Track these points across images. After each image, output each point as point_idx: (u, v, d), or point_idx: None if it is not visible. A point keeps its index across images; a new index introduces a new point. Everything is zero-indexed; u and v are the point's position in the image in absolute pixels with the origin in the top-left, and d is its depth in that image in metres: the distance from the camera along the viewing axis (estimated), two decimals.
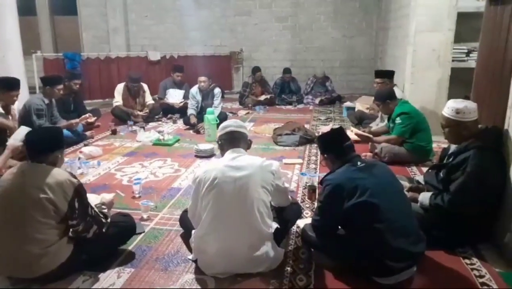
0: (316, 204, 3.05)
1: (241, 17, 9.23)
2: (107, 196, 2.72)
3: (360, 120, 5.80)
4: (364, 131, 4.61)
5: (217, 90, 6.04)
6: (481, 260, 2.38)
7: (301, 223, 2.70)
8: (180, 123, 6.22)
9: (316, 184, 3.39)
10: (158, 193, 3.44)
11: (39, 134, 2.33)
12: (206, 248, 2.22)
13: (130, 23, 9.59)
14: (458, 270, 2.29)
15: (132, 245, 2.57)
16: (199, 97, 5.99)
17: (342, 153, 2.33)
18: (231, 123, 2.47)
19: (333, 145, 2.38)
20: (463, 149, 2.45)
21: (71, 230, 2.16)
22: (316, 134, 5.01)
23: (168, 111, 6.58)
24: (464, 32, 4.94)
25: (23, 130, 3.78)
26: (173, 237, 2.70)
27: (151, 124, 6.13)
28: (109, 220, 2.36)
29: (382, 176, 2.24)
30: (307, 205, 3.19)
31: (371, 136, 4.39)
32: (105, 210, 2.55)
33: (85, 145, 4.92)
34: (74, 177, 2.20)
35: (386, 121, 4.77)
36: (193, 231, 2.35)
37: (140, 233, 2.71)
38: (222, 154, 2.41)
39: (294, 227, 2.73)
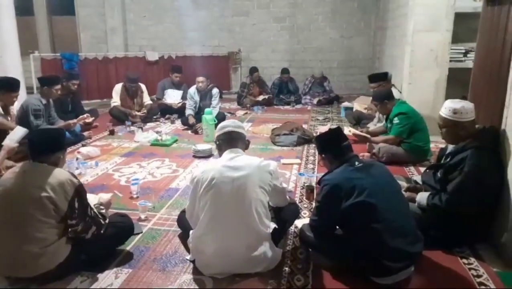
0: (314, 204, 3.05)
1: (239, 17, 9.23)
2: (104, 196, 2.72)
3: (358, 120, 5.82)
4: (362, 131, 4.61)
5: (215, 91, 6.04)
6: (479, 260, 2.38)
7: (299, 223, 2.71)
8: (178, 123, 6.21)
9: (314, 184, 3.38)
10: (156, 193, 3.43)
11: (42, 135, 2.36)
12: (204, 248, 2.22)
13: (128, 23, 9.57)
14: (455, 270, 2.29)
15: (130, 245, 2.57)
16: (197, 98, 5.99)
17: (340, 153, 2.33)
18: (229, 124, 2.47)
19: (331, 145, 2.38)
20: (461, 149, 2.46)
21: (70, 230, 2.16)
22: (314, 134, 5.01)
23: (166, 111, 6.57)
24: (462, 32, 4.96)
25: (19, 131, 3.78)
26: (171, 238, 2.70)
27: (149, 125, 6.12)
28: (107, 220, 2.37)
29: (380, 176, 2.24)
30: (305, 205, 3.19)
31: (369, 136, 4.40)
32: (103, 211, 2.55)
33: (83, 145, 4.92)
34: (75, 177, 2.21)
35: (383, 121, 4.78)
36: (191, 232, 2.35)
37: (138, 234, 2.70)
38: (220, 154, 2.41)
39: (292, 227, 2.73)
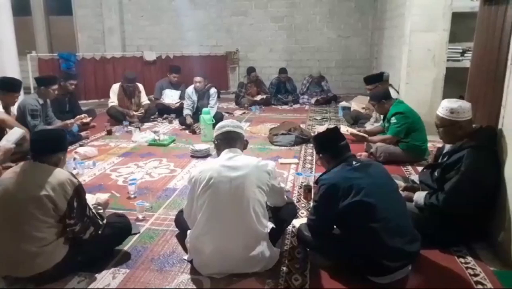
0: (311, 204, 3.05)
1: (237, 17, 9.23)
2: (102, 196, 2.72)
3: (356, 120, 5.83)
4: (359, 131, 4.62)
5: (213, 90, 6.04)
6: (476, 259, 2.39)
7: (296, 222, 2.71)
8: (176, 123, 6.21)
9: (311, 183, 3.39)
10: (154, 193, 3.43)
11: (44, 135, 2.38)
12: (201, 248, 2.22)
13: (126, 23, 9.56)
14: (452, 269, 2.30)
15: (127, 245, 2.57)
16: (195, 97, 5.99)
17: (338, 152, 2.33)
18: (227, 123, 2.47)
19: (329, 145, 2.38)
20: (458, 149, 2.47)
21: (68, 230, 2.16)
22: (312, 134, 5.02)
23: (163, 111, 6.57)
24: (459, 32, 4.97)
25: (16, 132, 3.78)
26: (168, 238, 2.69)
27: (147, 125, 6.11)
28: (105, 221, 2.37)
29: (377, 175, 2.25)
30: (303, 205, 3.19)
31: (366, 135, 4.40)
32: (101, 211, 2.56)
33: (81, 145, 4.91)
34: (75, 177, 2.22)
35: (381, 120, 4.79)
36: (188, 232, 2.35)
37: (135, 234, 2.70)
38: (218, 154, 2.41)
39: (290, 227, 2.73)
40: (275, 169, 2.41)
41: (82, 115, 5.21)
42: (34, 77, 5.65)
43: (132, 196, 3.34)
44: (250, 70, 7.90)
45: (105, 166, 4.19)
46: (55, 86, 4.95)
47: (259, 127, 5.83)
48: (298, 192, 3.45)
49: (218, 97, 6.46)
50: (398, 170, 3.88)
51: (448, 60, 4.99)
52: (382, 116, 4.60)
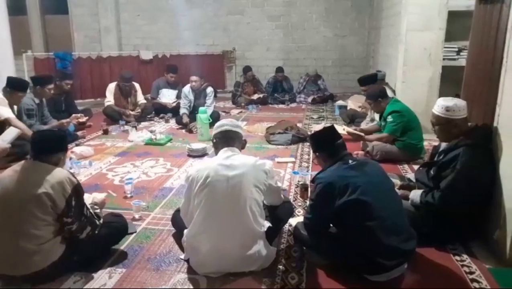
0: (308, 203, 3.06)
1: (233, 16, 9.22)
2: (98, 196, 2.72)
3: (352, 118, 5.84)
4: (356, 130, 4.63)
5: (209, 90, 6.03)
6: (471, 257, 2.40)
7: (293, 221, 2.71)
8: (172, 122, 6.20)
9: (308, 182, 3.39)
10: (150, 193, 3.43)
11: (46, 135, 2.43)
12: (198, 247, 2.22)
13: (122, 22, 9.53)
14: (448, 267, 2.30)
15: (123, 245, 2.56)
16: (191, 97, 5.98)
17: (334, 151, 2.34)
18: (226, 122, 2.48)
19: (325, 144, 2.39)
20: (453, 147, 2.48)
21: (65, 228, 2.17)
22: (309, 133, 5.02)
23: (160, 110, 6.56)
24: (455, 30, 4.98)
25: (12, 132, 3.76)
26: (165, 237, 2.69)
27: (143, 124, 6.10)
28: (101, 221, 2.38)
29: (374, 174, 2.25)
30: (299, 204, 3.20)
31: (362, 134, 4.41)
32: (98, 210, 2.55)
33: (77, 145, 4.89)
34: (74, 176, 2.23)
35: (376, 119, 4.80)
36: (185, 231, 2.35)
37: (131, 233, 2.69)
38: (216, 153, 2.41)
39: (287, 226, 2.74)
40: (272, 168, 2.41)
41: (78, 114, 5.20)
42: (30, 77, 5.62)
43: (129, 195, 3.34)
44: (247, 69, 7.90)
45: (102, 166, 4.18)
46: (51, 86, 4.94)
47: (256, 126, 5.83)
48: (295, 191, 3.46)
49: (215, 96, 6.45)
50: (394, 168, 3.89)
51: (444, 59, 5.01)
52: (378, 116, 4.60)
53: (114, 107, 6.11)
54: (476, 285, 2.15)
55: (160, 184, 3.66)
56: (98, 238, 2.31)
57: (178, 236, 2.57)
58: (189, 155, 4.49)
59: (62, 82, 5.55)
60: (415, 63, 4.98)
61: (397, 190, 2.63)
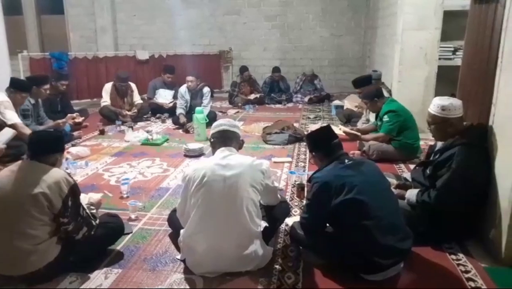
0: (304, 202, 3.06)
1: (230, 16, 9.21)
2: (94, 196, 2.71)
3: (349, 118, 5.85)
4: (352, 129, 4.63)
5: (206, 90, 6.02)
6: (467, 256, 2.41)
7: (289, 221, 2.71)
8: (169, 122, 6.19)
9: (305, 182, 3.40)
10: (147, 193, 3.42)
11: (43, 136, 2.43)
12: (194, 247, 2.21)
13: (119, 22, 9.50)
14: (444, 266, 2.31)
15: (120, 245, 2.56)
16: (187, 97, 5.97)
17: (330, 151, 2.34)
18: (224, 122, 2.47)
19: (321, 143, 2.39)
20: (449, 146, 2.49)
21: (61, 229, 2.16)
22: (305, 133, 5.02)
23: (157, 111, 6.55)
24: (450, 30, 5.00)
25: (7, 133, 3.74)
26: (161, 237, 2.68)
27: (140, 124, 6.09)
28: (98, 221, 2.37)
29: (370, 173, 2.26)
30: (296, 203, 3.20)
31: (359, 134, 4.41)
32: (94, 211, 2.55)
33: (73, 145, 4.87)
34: (71, 176, 2.24)
35: (371, 120, 4.81)
36: (181, 231, 2.34)
37: (128, 234, 2.69)
38: (213, 152, 2.40)
39: (283, 225, 2.73)
40: (269, 168, 2.41)
41: (74, 114, 5.18)
42: (26, 77, 5.61)
43: (125, 196, 3.33)
44: (243, 69, 7.90)
45: (98, 166, 4.17)
46: (47, 86, 4.92)
47: (252, 126, 5.83)
48: (292, 190, 3.46)
49: (212, 96, 6.45)
50: (390, 168, 3.89)
51: (439, 59, 5.02)
52: (373, 116, 4.61)
53: (111, 107, 6.09)
54: (472, 284, 2.15)
55: (157, 184, 3.65)
56: (94, 238, 2.30)
57: (174, 236, 2.56)
58: (186, 155, 4.48)
59: (57, 82, 5.53)
60: (411, 62, 4.99)
61: (393, 190, 2.63)
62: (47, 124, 4.83)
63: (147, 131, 5.37)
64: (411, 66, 5.00)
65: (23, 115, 4.49)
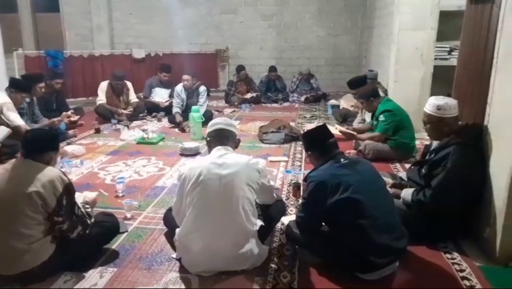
0: (300, 201, 3.06)
1: (226, 15, 9.20)
2: (89, 195, 2.69)
3: (345, 117, 5.86)
4: (348, 129, 4.64)
5: (202, 88, 6.01)
6: (462, 255, 2.42)
7: (285, 220, 2.71)
8: (165, 121, 6.18)
9: (301, 181, 3.39)
10: (142, 192, 3.41)
11: (38, 134, 2.41)
12: (190, 246, 2.21)
13: (115, 20, 9.46)
14: (439, 265, 2.32)
15: (115, 244, 2.55)
16: (184, 95, 5.96)
17: (326, 150, 2.34)
18: (220, 121, 2.47)
19: (317, 142, 2.39)
20: (444, 145, 2.50)
21: (56, 227, 2.15)
22: (302, 132, 5.02)
23: (153, 109, 6.53)
24: (446, 30, 5.02)
25: (2, 131, 3.72)
26: (157, 236, 2.68)
27: (135, 123, 6.07)
28: (93, 220, 2.36)
29: (365, 172, 2.26)
30: (292, 202, 3.20)
31: (355, 133, 4.43)
32: (89, 210, 2.53)
33: (68, 144, 4.85)
34: (65, 175, 2.22)
35: (367, 120, 4.82)
36: (177, 230, 2.34)
37: (123, 233, 2.68)
38: (209, 151, 2.40)
39: (279, 224, 2.74)
40: (265, 167, 2.40)
41: (69, 112, 5.15)
42: (21, 75, 5.58)
43: (120, 194, 3.32)
44: (240, 68, 7.89)
45: (93, 165, 4.15)
46: (42, 84, 4.90)
47: (249, 125, 5.83)
48: (288, 189, 3.46)
49: (208, 95, 6.44)
50: (386, 167, 3.90)
51: (435, 59, 5.04)
52: (369, 116, 4.62)
53: (106, 106, 6.07)
54: (466, 282, 2.16)
55: (152, 183, 3.64)
56: (89, 237, 2.29)
57: (170, 235, 2.56)
58: (182, 154, 4.47)
59: (52, 81, 5.50)
60: (407, 62, 5.00)
61: (388, 189, 2.64)
62: (42, 123, 4.81)
63: (143, 130, 5.36)
64: (407, 66, 5.01)
65: (18, 113, 4.46)
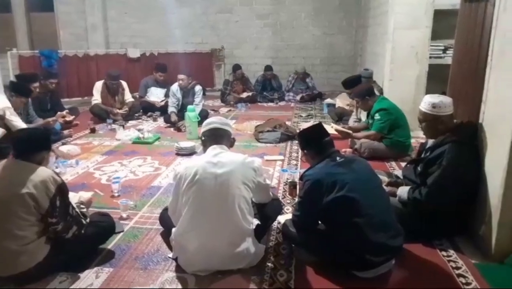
0: (296, 200, 3.06)
1: (222, 14, 9.19)
2: (85, 195, 2.68)
3: (341, 116, 5.87)
4: (344, 127, 4.65)
5: (198, 88, 6.00)
6: (458, 252, 2.43)
7: (282, 219, 2.71)
8: (160, 121, 6.16)
9: (297, 180, 3.40)
10: (138, 191, 3.40)
11: (28, 134, 2.37)
12: (186, 245, 2.21)
13: (110, 20, 9.42)
14: (435, 262, 2.33)
15: (111, 244, 2.54)
16: (179, 95, 5.95)
17: (322, 148, 2.34)
18: (215, 120, 2.46)
19: (313, 141, 2.39)
20: (440, 143, 2.50)
21: (50, 228, 2.13)
22: (297, 131, 5.03)
23: (148, 109, 6.51)
24: (441, 29, 5.03)
25: None
26: (153, 236, 2.67)
27: (131, 122, 6.05)
28: (88, 220, 2.34)
29: (361, 171, 2.26)
30: (288, 201, 3.20)
31: (350, 132, 4.43)
32: (84, 210, 2.52)
33: (63, 144, 4.83)
34: (58, 175, 2.20)
35: (363, 119, 4.82)
36: (173, 229, 2.33)
37: (119, 232, 2.67)
38: (205, 150, 2.39)
39: (275, 223, 2.73)
40: (261, 166, 2.40)
41: (64, 112, 5.13)
42: (14, 75, 5.55)
43: (116, 194, 3.30)
44: (236, 67, 7.88)
45: (89, 165, 4.14)
46: (36, 84, 4.88)
47: (244, 125, 5.82)
48: (284, 188, 3.46)
49: (204, 94, 6.42)
50: (381, 165, 3.91)
51: (430, 57, 5.06)
52: (365, 115, 4.62)
53: (101, 106, 6.05)
54: (462, 280, 2.17)
55: (148, 183, 3.63)
56: (85, 237, 2.28)
57: (166, 235, 2.55)
58: (178, 154, 4.46)
59: (46, 81, 5.48)
60: (402, 61, 5.02)
61: (384, 187, 2.64)
62: (37, 123, 4.78)
63: (139, 130, 5.34)
64: (402, 64, 5.02)
65: None
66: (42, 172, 2.11)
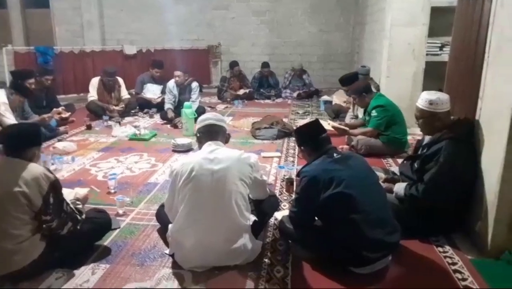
0: (293, 196, 3.06)
1: (218, 11, 9.16)
2: (80, 191, 2.66)
3: (338, 113, 5.87)
4: (341, 124, 4.65)
5: (194, 85, 5.98)
6: (454, 248, 2.43)
7: (279, 215, 2.71)
8: (157, 117, 6.14)
9: (294, 176, 3.40)
10: (134, 188, 3.39)
11: (18, 129, 2.32)
12: (183, 241, 2.20)
13: (106, 17, 9.37)
14: (431, 258, 2.33)
15: (107, 240, 2.53)
16: (176, 92, 5.93)
17: (318, 145, 2.34)
18: (210, 116, 2.45)
19: (310, 137, 2.39)
20: (436, 140, 2.51)
21: (44, 226, 2.11)
22: (294, 128, 5.02)
23: (144, 106, 6.48)
24: (438, 26, 5.04)
25: None
26: (149, 232, 2.66)
27: (127, 119, 6.03)
28: (84, 216, 2.33)
29: (358, 167, 2.26)
30: (285, 198, 3.20)
31: (347, 128, 4.43)
32: (80, 206, 2.50)
33: (59, 140, 4.81)
34: (50, 172, 2.17)
35: (360, 116, 4.82)
36: (169, 226, 2.32)
37: (115, 229, 2.66)
38: (200, 147, 2.38)
39: (272, 219, 2.73)
40: (258, 162, 2.40)
41: (60, 108, 5.10)
42: (10, 71, 5.52)
43: (112, 191, 3.29)
44: (233, 64, 7.86)
45: (85, 161, 4.12)
46: (31, 80, 4.85)
47: (241, 121, 5.81)
48: (281, 185, 3.46)
49: (200, 91, 6.40)
50: (378, 162, 3.92)
51: (427, 54, 5.07)
52: (362, 111, 4.62)
53: (98, 102, 6.02)
54: (458, 275, 2.18)
55: (145, 180, 3.62)
56: (81, 234, 2.27)
57: (162, 231, 2.54)
58: (174, 150, 4.45)
59: (42, 77, 5.45)
60: (399, 58, 5.03)
61: (381, 183, 2.64)
62: (33, 119, 4.75)
63: (135, 126, 5.32)
64: (399, 61, 5.03)
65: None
66: (34, 169, 2.08)
